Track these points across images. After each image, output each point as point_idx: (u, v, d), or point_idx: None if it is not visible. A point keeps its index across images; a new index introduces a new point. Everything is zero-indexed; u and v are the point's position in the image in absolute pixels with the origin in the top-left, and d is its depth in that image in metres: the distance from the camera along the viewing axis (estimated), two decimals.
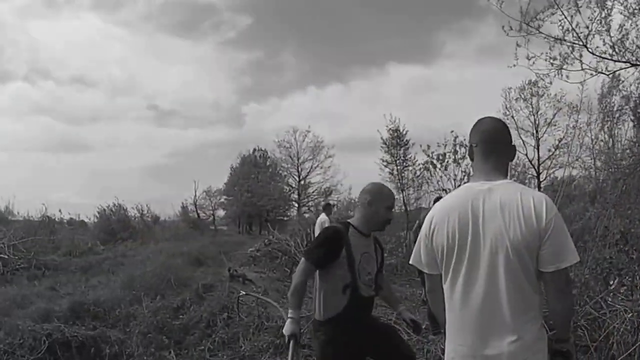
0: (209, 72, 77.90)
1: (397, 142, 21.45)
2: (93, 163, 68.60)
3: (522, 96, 25.41)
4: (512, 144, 2.63)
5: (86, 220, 28.96)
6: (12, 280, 12.11)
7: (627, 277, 5.89)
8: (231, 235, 36.47)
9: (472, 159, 2.66)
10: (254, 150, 47.84)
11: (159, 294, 9.78)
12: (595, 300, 5.82)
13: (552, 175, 25.80)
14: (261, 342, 7.01)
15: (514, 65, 9.22)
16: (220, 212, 50.30)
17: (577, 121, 21.08)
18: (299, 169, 45.04)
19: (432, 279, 2.66)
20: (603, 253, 7.01)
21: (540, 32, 8.72)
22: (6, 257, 13.24)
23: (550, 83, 9.28)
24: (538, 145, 26.40)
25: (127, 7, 75.33)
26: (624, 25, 8.40)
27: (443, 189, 17.61)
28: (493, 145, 2.56)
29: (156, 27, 72.68)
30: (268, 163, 47.19)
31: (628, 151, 10.15)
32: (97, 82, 78.86)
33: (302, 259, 3.83)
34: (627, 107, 13.26)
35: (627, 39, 8.31)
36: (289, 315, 3.69)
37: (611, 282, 6.11)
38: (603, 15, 8.35)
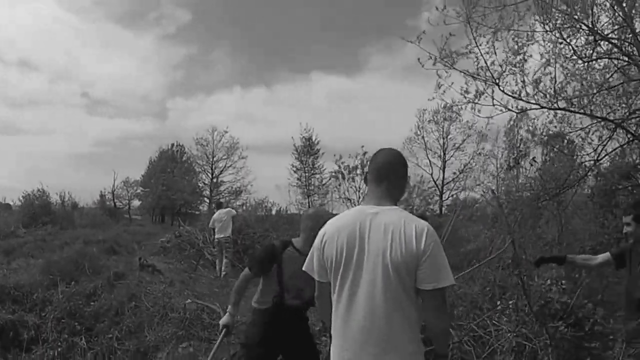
0: (145, 65, 76.72)
1: (308, 150, 22.00)
2: (25, 147, 68.46)
3: (435, 119, 26.48)
4: (405, 177, 2.88)
5: (11, 203, 28.87)
6: None
7: (511, 300, 6.49)
8: (144, 226, 36.31)
9: (366, 184, 2.90)
10: (173, 145, 48.53)
11: (74, 279, 9.78)
12: (482, 318, 6.40)
13: (454, 196, 27.11)
14: (164, 333, 7.20)
15: (433, 99, 9.55)
16: (136, 203, 51.06)
17: (483, 148, 22.30)
18: (213, 167, 45.49)
19: (321, 286, 2.89)
20: (495, 274, 7.72)
21: (454, 68, 9.23)
22: None
23: (458, 114, 9.63)
24: (444, 167, 27.65)
25: None
26: (538, 70, 9.16)
27: (348, 199, 18.25)
28: (385, 175, 2.81)
29: (106, 14, 73.26)
30: (184, 158, 47.67)
31: (528, 185, 11.08)
32: (40, 66, 76.70)
33: (247, 267, 4.43)
34: (533, 140, 14.24)
35: (540, 82, 9.06)
36: (227, 310, 4.36)
37: (498, 303, 6.69)
38: (518, 59, 9.05)
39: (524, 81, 9.03)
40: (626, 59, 9.25)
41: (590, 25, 8.89)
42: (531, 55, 9.18)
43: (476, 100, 9.23)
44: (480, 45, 9.13)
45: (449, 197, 27.44)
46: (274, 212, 22.91)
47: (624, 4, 8.89)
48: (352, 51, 72.29)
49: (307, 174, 21.89)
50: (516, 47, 9.11)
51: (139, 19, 76.06)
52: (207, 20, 75.53)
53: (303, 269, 2.99)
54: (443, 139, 27.69)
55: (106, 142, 77.38)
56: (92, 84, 77.25)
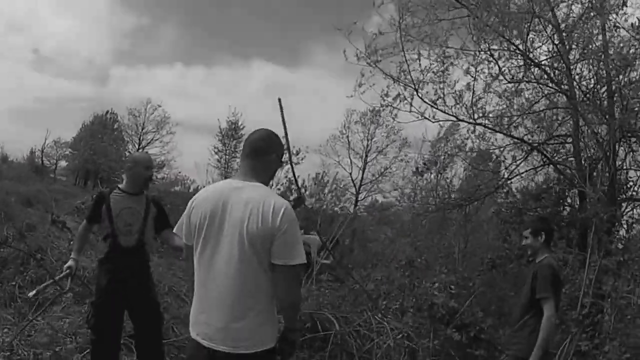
0: (96, 27, 75.34)
1: (232, 133, 21.92)
2: None
3: (362, 121, 26.70)
4: (273, 155, 3.00)
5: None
6: None
7: (396, 301, 6.58)
8: (66, 186, 36.33)
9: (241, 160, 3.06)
10: (107, 112, 48.39)
11: None
12: (368, 315, 6.47)
13: (373, 198, 27.49)
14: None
15: (352, 96, 9.52)
16: (63, 163, 50.77)
17: (405, 155, 22.55)
18: (140, 139, 44.92)
19: (188, 248, 2.98)
20: (389, 274, 7.82)
21: (378, 68, 9.18)
22: None
23: (379, 116, 9.57)
24: (364, 168, 27.92)
25: None
26: (462, 84, 9.22)
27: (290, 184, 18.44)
28: (253, 152, 2.95)
29: None
30: (115, 126, 47.36)
31: (434, 193, 11.32)
32: None
33: None
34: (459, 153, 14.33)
35: (462, 96, 9.10)
36: (71, 256, 4.75)
37: (384, 302, 6.77)
38: (442, 68, 9.09)
39: (444, 92, 9.07)
40: (554, 86, 9.47)
41: (524, 50, 9.03)
42: (453, 63, 9.24)
43: (394, 104, 9.26)
44: (407, 50, 9.16)
45: (364, 197, 27.61)
46: (191, 190, 22.74)
47: (563, 34, 9.07)
48: (296, 44, 72.07)
49: (227, 157, 21.69)
50: (442, 57, 9.15)
51: None
52: None
53: (174, 230, 3.09)
54: (367, 140, 27.57)
55: (46, 100, 74.64)
56: (43, 39, 74.94)
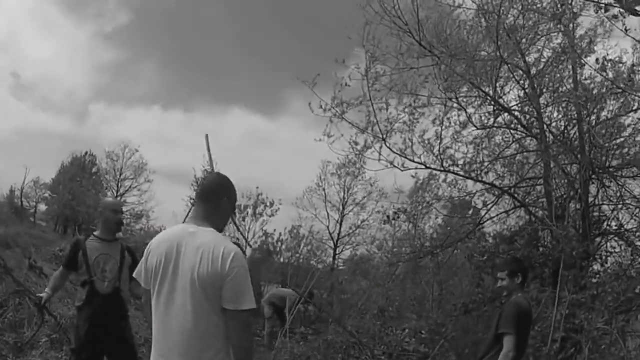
0: (77, 58, 72.20)
1: None
2: None
3: (338, 172, 26.45)
4: (224, 198, 3.05)
5: None
6: None
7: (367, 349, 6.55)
8: (45, 232, 35.54)
9: (193, 205, 3.09)
10: (86, 153, 47.49)
11: None
12: None
13: (352, 250, 26.88)
14: (40, 334, 7.21)
15: (320, 140, 9.26)
16: (43, 207, 49.65)
17: (382, 207, 22.40)
18: (119, 185, 44.28)
19: (146, 293, 3.02)
20: (363, 324, 7.79)
21: (343, 118, 9.17)
22: None
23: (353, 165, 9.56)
24: (341, 221, 27.45)
25: None
26: (431, 132, 9.23)
27: (237, 238, 18.11)
28: (205, 196, 3.03)
29: None
30: (94, 170, 46.67)
31: (407, 242, 11.38)
32: None
33: None
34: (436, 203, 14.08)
35: (431, 145, 9.11)
36: (45, 290, 4.99)
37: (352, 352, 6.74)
38: (410, 118, 9.14)
39: (412, 141, 9.08)
40: (525, 130, 9.61)
41: (494, 96, 9.19)
42: (421, 113, 9.30)
43: (363, 153, 9.24)
44: (374, 99, 9.17)
45: (342, 250, 27.19)
46: None
47: (534, 79, 9.23)
48: (275, 92, 71.47)
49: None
50: (411, 107, 9.20)
51: (81, 8, 73.31)
52: (145, 27, 73.16)
53: (134, 275, 3.11)
54: (344, 192, 27.30)
55: (24, 132, 70.07)
56: (23, 63, 72.53)
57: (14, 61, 72.51)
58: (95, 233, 4.89)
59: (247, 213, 18.11)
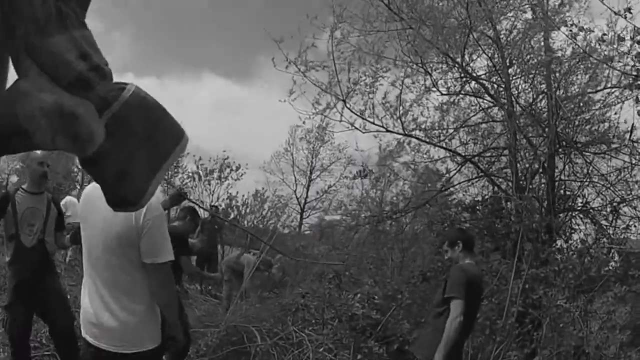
0: None
1: None
2: None
3: (307, 138, 26.27)
4: None
5: None
6: None
7: (317, 312, 6.50)
8: None
9: None
10: None
11: None
12: (290, 330, 6.40)
13: (318, 215, 26.74)
14: None
15: (284, 101, 9.07)
16: (14, 178, 47.04)
17: (351, 172, 22.26)
18: None
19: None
20: (317, 287, 7.74)
21: (305, 76, 8.95)
22: None
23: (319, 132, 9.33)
24: (309, 186, 27.48)
25: None
26: (394, 95, 9.09)
27: (202, 201, 17.93)
28: None
29: None
30: None
31: (365, 205, 11.33)
32: None
33: None
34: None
35: (393, 108, 8.97)
36: None
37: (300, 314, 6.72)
38: (371, 81, 8.97)
39: (373, 103, 8.95)
40: (492, 100, 9.51)
41: (461, 64, 9.06)
42: (383, 76, 9.12)
43: (325, 113, 9.09)
44: (337, 60, 8.98)
45: (309, 215, 27.12)
46: None
47: (504, 49, 9.07)
48: (248, 57, 70.37)
49: (169, 172, 21.28)
50: (374, 69, 9.04)
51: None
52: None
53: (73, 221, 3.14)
54: (312, 157, 27.37)
55: None
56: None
57: None
58: (23, 186, 4.86)
59: (213, 177, 17.84)
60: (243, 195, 17.82)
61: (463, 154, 9.58)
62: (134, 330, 2.84)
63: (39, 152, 4.71)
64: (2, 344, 5.30)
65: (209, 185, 17.88)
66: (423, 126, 9.26)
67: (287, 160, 27.30)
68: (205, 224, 11.42)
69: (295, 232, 21.12)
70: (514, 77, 9.35)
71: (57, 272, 5.15)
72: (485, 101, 9.82)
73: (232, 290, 9.34)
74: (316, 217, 25.98)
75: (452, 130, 9.58)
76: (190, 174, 19.12)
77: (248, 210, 17.71)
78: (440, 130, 9.42)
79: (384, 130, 8.94)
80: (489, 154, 9.79)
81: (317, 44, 9.08)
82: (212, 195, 17.73)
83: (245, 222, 17.10)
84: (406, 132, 9.04)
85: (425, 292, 8.05)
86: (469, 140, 9.79)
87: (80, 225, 3.01)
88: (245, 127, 56.59)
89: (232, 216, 16.93)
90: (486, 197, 9.45)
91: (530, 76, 9.26)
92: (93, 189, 2.97)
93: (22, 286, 4.64)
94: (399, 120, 8.89)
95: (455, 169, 9.72)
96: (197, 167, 18.23)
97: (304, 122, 9.14)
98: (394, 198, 10.80)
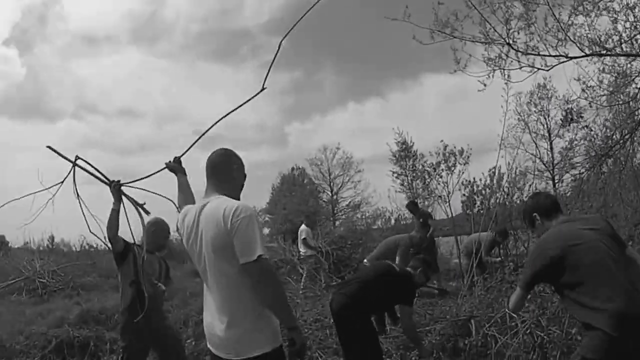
0: (251, 95, 77.47)
1: (404, 154, 21.71)
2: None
3: (532, 100, 24.66)
4: (234, 166, 3.28)
5: None
6: (48, 299, 13.18)
7: None
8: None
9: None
10: (292, 169, 48.52)
11: None
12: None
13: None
14: None
15: (455, 72, 8.55)
16: (265, 230, 49.71)
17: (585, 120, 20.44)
18: (331, 185, 45.55)
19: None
20: None
21: (454, 37, 8.29)
22: (45, 281, 14.69)
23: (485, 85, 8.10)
24: (552, 148, 25.80)
25: (164, 39, 74.76)
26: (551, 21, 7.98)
27: (439, 196, 17.90)
28: (211, 172, 3.24)
29: (196, 55, 73.57)
30: (305, 181, 47.61)
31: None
32: (144, 113, 76.33)
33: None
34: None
35: (568, 31, 7.87)
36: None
37: None
38: (525, 10, 7.99)
39: (540, 35, 7.89)
40: None
41: None
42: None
43: (501, 66, 8.18)
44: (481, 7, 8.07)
45: (560, 179, 25.10)
46: (393, 221, 22.25)
47: None
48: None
49: (408, 177, 21.61)
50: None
51: (231, 54, 75.25)
52: (302, 43, 74.10)
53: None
54: (545, 118, 25.41)
55: None
56: (201, 121, 75.79)
57: (191, 123, 77.32)
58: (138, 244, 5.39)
59: (442, 168, 17.77)
60: (479, 179, 16.74)
61: None
62: (239, 338, 2.94)
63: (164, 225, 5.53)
64: None
65: (441, 177, 17.99)
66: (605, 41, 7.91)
67: (521, 125, 25.10)
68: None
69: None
70: None
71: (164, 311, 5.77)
72: None
73: None
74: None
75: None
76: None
77: (489, 192, 16.69)
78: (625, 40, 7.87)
79: (566, 58, 7.93)
80: None
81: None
82: (447, 186, 17.69)
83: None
84: (594, 52, 7.91)
85: None
86: None
87: (185, 250, 3.31)
88: (469, 115, 55.44)
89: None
90: None
91: None
92: (188, 213, 3.23)
93: (140, 326, 4.96)
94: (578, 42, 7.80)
95: None
96: (423, 166, 18.49)
97: (484, 85, 8.26)
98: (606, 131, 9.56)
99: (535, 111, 25.14)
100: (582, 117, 9.38)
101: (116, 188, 4.52)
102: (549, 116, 25.21)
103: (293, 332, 2.97)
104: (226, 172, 3.26)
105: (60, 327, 8.43)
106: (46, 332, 8.16)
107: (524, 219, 3.79)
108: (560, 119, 9.46)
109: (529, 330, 5.20)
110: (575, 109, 9.49)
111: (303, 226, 13.26)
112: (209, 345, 3.18)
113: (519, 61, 8.06)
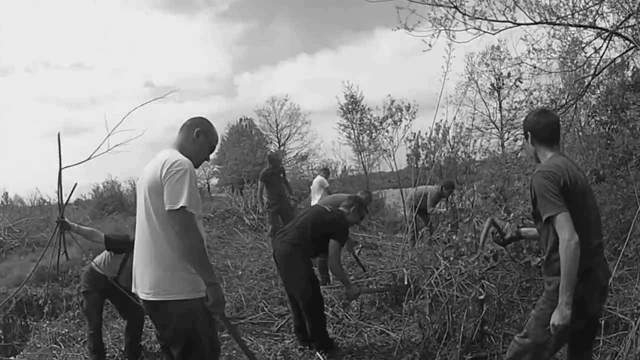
0: (204, 46, 77.55)
1: (353, 107, 22.06)
2: (93, 144, 68.50)
3: (484, 60, 25.18)
4: (197, 128, 3.41)
5: (82, 198, 29.43)
6: (6, 258, 12.92)
7: None
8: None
9: None
10: (240, 119, 48.51)
11: None
12: None
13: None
14: None
15: (398, 28, 8.35)
16: (214, 180, 51.77)
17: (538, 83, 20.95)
18: (279, 136, 45.81)
19: None
20: None
21: None
22: (2, 238, 14.43)
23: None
24: (500, 107, 27.07)
25: None
26: None
27: (384, 150, 18.36)
28: (180, 128, 3.46)
29: (151, 4, 74.13)
30: (253, 132, 47.48)
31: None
32: (94, 65, 77.31)
33: None
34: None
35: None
36: None
37: None
38: None
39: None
40: None
41: None
42: None
43: (448, 27, 8.16)
44: None
45: (508, 137, 26.07)
46: (339, 173, 22.49)
47: None
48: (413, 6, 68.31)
49: (354, 131, 21.95)
50: None
51: (187, 3, 76.76)
52: None
53: None
54: (496, 79, 26.17)
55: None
56: (152, 73, 78.22)
57: (142, 75, 79.52)
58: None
59: (387, 122, 17.84)
60: (425, 133, 17.18)
61: (605, 28, 8.14)
62: (158, 281, 3.09)
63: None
64: None
65: (387, 132, 18.04)
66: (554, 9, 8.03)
67: (472, 88, 26.88)
68: None
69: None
70: None
71: None
72: None
73: None
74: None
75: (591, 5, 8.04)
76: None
77: (434, 145, 16.91)
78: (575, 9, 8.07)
79: (513, 24, 7.98)
80: (630, 24, 8.15)
81: None
82: (392, 141, 17.75)
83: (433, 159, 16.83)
84: (541, 21, 8.03)
85: (601, 193, 7.24)
86: (608, 14, 8.22)
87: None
88: (422, 71, 55.96)
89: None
90: None
91: None
92: (148, 163, 3.30)
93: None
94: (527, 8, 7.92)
95: (603, 47, 8.33)
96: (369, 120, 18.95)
97: (430, 46, 8.18)
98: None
99: (485, 71, 25.87)
100: (521, 81, 9.55)
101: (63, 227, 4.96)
102: (500, 77, 25.91)
103: (209, 288, 3.04)
104: (188, 131, 3.43)
105: (19, 286, 8.45)
106: (6, 292, 8.36)
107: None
108: (491, 84, 9.54)
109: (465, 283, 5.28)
110: (514, 73, 9.68)
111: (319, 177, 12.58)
112: (132, 287, 3.33)
113: (465, 23, 8.12)
